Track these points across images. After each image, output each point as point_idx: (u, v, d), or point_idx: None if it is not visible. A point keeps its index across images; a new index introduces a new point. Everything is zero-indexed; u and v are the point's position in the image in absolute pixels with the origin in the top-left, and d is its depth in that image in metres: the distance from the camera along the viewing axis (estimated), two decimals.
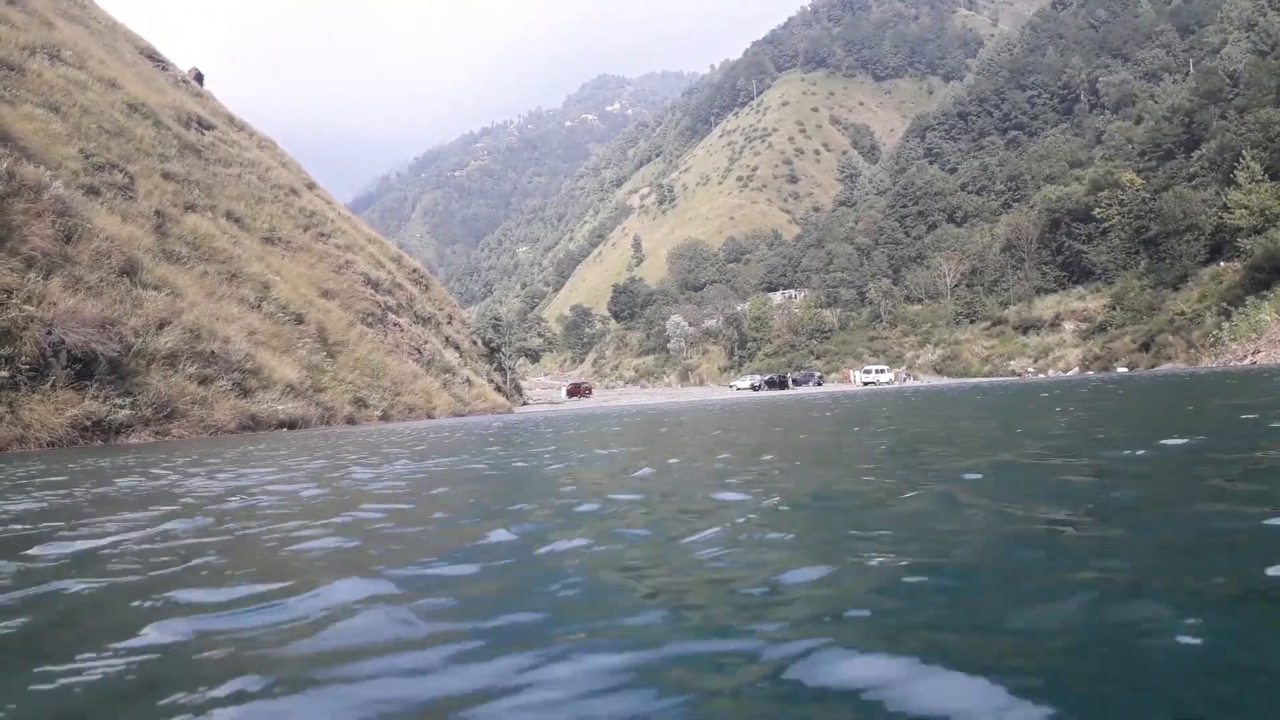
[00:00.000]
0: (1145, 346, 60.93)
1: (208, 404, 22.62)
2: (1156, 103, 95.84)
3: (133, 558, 3.46)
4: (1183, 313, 59.41)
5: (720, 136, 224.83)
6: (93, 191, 27.08)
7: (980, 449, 7.21)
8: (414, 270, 61.60)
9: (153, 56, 52.95)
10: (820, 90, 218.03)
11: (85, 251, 22.80)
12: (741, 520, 3.59)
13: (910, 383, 72.71)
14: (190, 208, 33.97)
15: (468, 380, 48.93)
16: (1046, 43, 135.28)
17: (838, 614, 2.08)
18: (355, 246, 49.12)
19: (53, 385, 18.41)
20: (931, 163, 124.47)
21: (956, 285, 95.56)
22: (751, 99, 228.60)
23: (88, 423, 18.61)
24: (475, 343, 63.85)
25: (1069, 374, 64.31)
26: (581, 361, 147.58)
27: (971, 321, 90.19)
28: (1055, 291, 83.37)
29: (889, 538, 3.08)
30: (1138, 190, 73.31)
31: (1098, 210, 76.90)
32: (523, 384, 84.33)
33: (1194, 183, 68.84)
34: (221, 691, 1.68)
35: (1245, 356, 47.59)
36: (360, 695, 1.62)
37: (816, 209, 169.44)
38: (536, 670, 1.71)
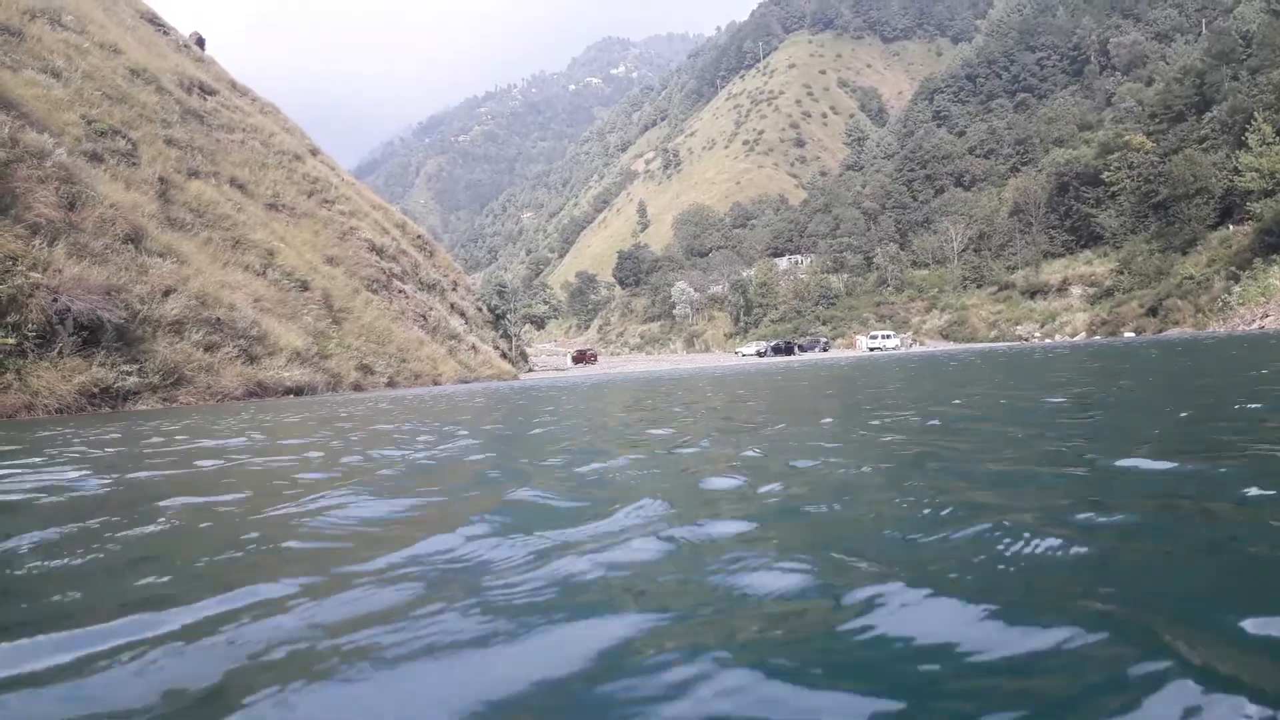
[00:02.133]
0: (1153, 311, 60.67)
1: (214, 371, 22.70)
2: (1168, 64, 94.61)
3: None
4: (1191, 277, 59.09)
5: (726, 100, 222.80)
6: (96, 158, 27.00)
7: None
8: (418, 236, 61.43)
9: (154, 21, 52.46)
10: (828, 52, 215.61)
11: (89, 219, 22.78)
12: None
13: (916, 348, 72.58)
14: (194, 174, 33.86)
15: (473, 347, 48.99)
16: (1057, 3, 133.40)
17: None
18: (359, 213, 48.97)
19: (60, 352, 18.48)
20: (939, 126, 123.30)
21: (964, 250, 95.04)
22: (758, 61, 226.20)
23: (95, 390, 18.70)
24: (480, 309, 63.83)
25: (1075, 339, 64.15)
26: (587, 328, 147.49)
27: (979, 286, 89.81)
28: (1063, 256, 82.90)
29: None
30: (1147, 153, 72.61)
31: (1107, 174, 76.25)
32: (528, 351, 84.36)
33: (1205, 145, 68.11)
34: None
35: (1253, 321, 47.38)
36: None
37: (823, 173, 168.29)
38: None
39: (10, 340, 17.64)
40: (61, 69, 30.42)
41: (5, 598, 2.33)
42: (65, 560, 2.68)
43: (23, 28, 30.73)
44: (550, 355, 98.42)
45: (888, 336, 78.13)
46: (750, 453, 4.99)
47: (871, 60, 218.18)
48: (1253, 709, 1.17)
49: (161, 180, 30.19)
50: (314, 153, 54.10)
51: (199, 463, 6.11)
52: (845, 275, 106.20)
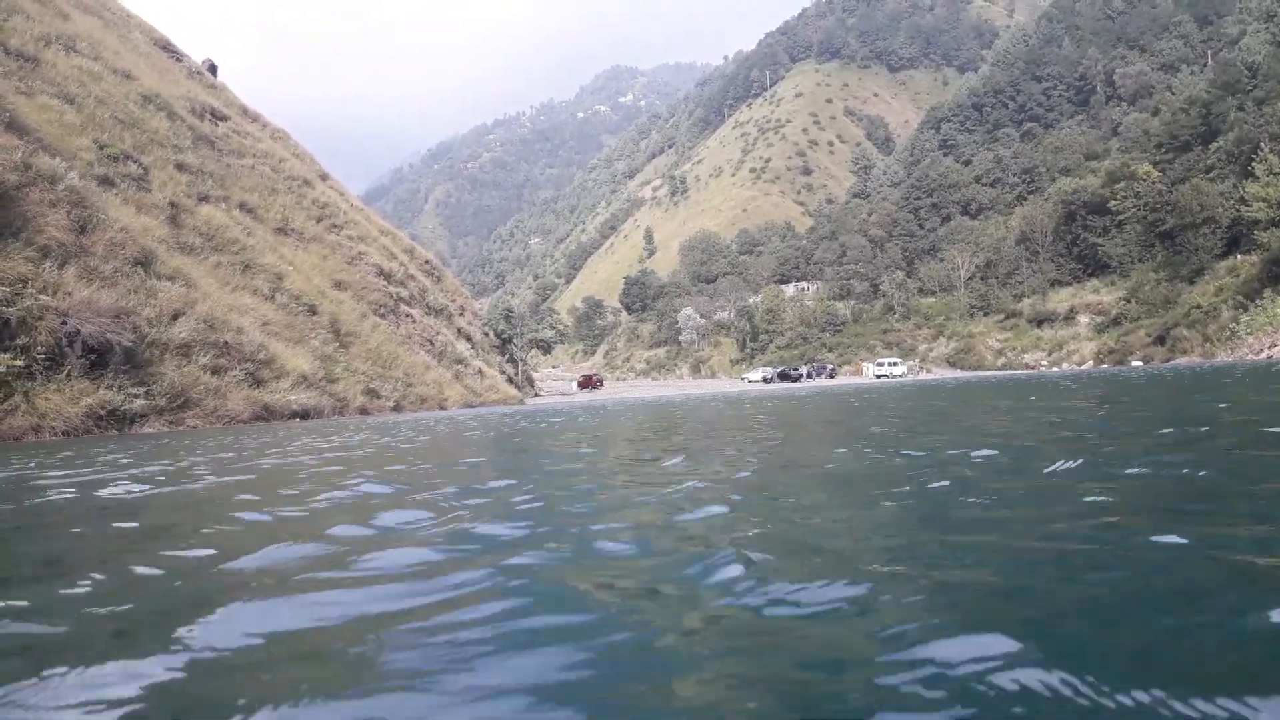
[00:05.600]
0: (1160, 340, 60.52)
1: (221, 394, 22.71)
2: (1174, 94, 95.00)
3: None
4: (1198, 306, 58.98)
5: (733, 128, 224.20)
6: (107, 182, 27.20)
7: None
8: (426, 261, 61.65)
9: (167, 48, 53.07)
10: (834, 81, 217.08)
11: (100, 242, 22.90)
12: None
13: (923, 376, 72.38)
14: (204, 199, 34.07)
15: (480, 371, 48.98)
16: (1063, 34, 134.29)
17: None
18: (368, 238, 49.19)
19: (68, 375, 18.51)
20: (946, 154, 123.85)
21: (970, 278, 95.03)
22: (765, 90, 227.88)
23: (102, 412, 18.72)
24: (487, 334, 63.90)
25: (1083, 367, 63.96)
26: (593, 353, 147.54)
27: (985, 314, 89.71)
28: (1070, 284, 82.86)
29: None
30: (1154, 182, 72.72)
31: (1113, 203, 76.33)
32: (534, 375, 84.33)
33: (1211, 175, 68.26)
34: None
35: (1261, 350, 47.20)
36: None
37: (830, 201, 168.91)
38: None
39: (19, 362, 17.69)
40: (75, 94, 30.72)
41: None
42: None
43: (38, 54, 31.08)
44: (556, 380, 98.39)
45: (894, 364, 77.99)
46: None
47: (878, 89, 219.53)
48: None
49: (172, 204, 30.39)
50: (323, 178, 54.50)
51: None
52: (852, 302, 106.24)
